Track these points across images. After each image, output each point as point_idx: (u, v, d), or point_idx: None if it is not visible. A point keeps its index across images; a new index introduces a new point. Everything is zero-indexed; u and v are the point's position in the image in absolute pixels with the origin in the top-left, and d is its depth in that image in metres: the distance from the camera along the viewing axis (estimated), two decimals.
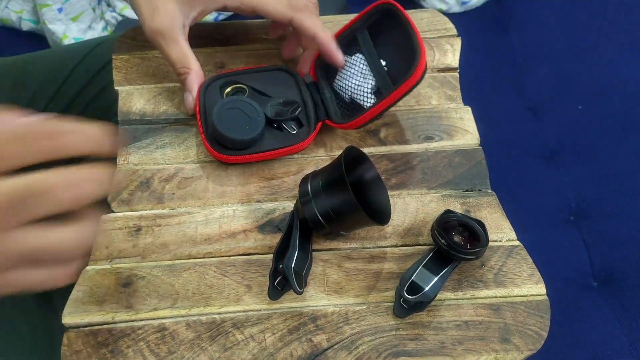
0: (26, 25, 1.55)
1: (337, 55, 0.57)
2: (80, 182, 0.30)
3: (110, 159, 0.31)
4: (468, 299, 0.49)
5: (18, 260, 0.31)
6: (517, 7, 1.62)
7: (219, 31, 0.68)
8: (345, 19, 0.67)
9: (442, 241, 0.47)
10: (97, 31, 1.53)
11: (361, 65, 0.57)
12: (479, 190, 0.55)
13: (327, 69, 0.61)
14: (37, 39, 1.55)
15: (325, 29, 0.57)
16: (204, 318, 0.47)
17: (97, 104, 0.72)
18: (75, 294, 0.48)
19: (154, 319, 0.47)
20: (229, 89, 0.59)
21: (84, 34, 1.50)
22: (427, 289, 0.46)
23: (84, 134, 0.31)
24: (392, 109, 0.58)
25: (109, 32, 1.54)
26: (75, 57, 0.74)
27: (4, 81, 0.72)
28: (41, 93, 0.71)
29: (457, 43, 0.67)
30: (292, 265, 0.46)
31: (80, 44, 0.78)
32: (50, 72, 0.73)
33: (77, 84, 0.72)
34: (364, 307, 0.48)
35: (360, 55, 0.58)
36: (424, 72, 0.51)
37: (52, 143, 0.30)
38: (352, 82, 0.57)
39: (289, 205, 0.54)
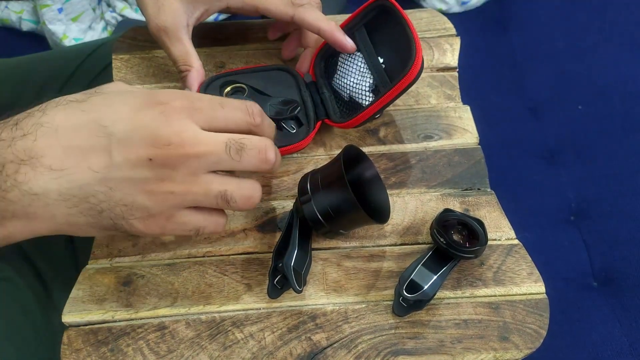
0: (26, 26, 1.55)
1: (346, 40, 0.57)
2: (267, 149, 0.41)
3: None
4: (467, 297, 0.49)
5: (214, 201, 0.40)
6: (517, 7, 1.62)
7: (219, 31, 0.68)
8: (345, 18, 0.67)
9: (442, 240, 0.47)
10: (97, 31, 1.53)
11: (359, 64, 0.57)
12: (478, 189, 0.56)
13: (326, 68, 0.61)
14: (37, 39, 1.55)
15: (328, 20, 0.57)
16: (203, 317, 0.47)
17: None
18: (75, 292, 0.48)
19: (154, 317, 0.47)
20: (228, 89, 0.59)
21: (84, 34, 1.50)
22: (426, 287, 0.46)
23: (272, 128, 0.45)
24: (391, 108, 0.58)
25: (109, 32, 1.55)
26: (77, 58, 0.74)
27: (7, 82, 0.72)
28: (43, 94, 0.72)
29: (456, 42, 0.67)
30: (292, 264, 0.46)
31: (82, 45, 0.78)
32: (53, 73, 0.73)
33: (79, 85, 0.72)
34: (364, 305, 0.48)
35: (358, 53, 0.58)
36: (421, 70, 0.52)
37: (251, 121, 0.41)
38: (350, 81, 0.57)
39: (289, 204, 0.54)
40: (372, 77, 0.56)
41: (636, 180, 1.25)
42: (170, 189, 0.38)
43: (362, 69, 0.57)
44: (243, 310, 0.48)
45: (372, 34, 0.58)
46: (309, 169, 0.56)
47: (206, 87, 0.59)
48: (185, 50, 0.57)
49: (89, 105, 0.38)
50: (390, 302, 0.48)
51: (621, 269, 1.13)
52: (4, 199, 0.36)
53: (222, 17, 1.47)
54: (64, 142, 0.37)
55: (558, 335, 1.04)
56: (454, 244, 0.47)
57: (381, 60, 0.56)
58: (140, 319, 0.47)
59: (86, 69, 0.73)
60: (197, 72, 0.57)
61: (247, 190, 0.41)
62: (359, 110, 0.55)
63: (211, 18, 1.46)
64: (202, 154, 0.38)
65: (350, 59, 0.58)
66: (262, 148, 0.40)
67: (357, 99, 0.57)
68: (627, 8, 1.59)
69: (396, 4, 0.55)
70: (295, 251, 0.48)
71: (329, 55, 0.61)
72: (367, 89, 0.56)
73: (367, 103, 0.56)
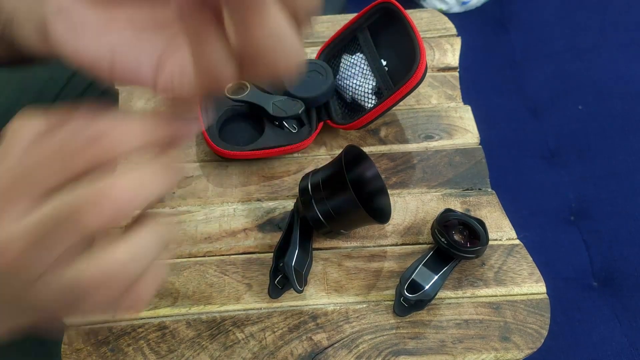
0: None
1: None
2: (121, 192, 0.23)
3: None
4: (468, 297, 0.49)
5: (63, 302, 0.24)
6: (517, 7, 1.62)
7: None
8: (345, 18, 0.67)
9: (442, 240, 0.47)
10: None
11: (362, 65, 0.57)
12: (479, 189, 0.56)
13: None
14: None
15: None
16: (204, 316, 0.47)
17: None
18: None
19: (154, 317, 0.47)
20: (230, 85, 0.59)
21: None
22: (427, 287, 0.46)
23: (132, 127, 0.24)
24: (392, 108, 0.58)
25: None
26: None
27: (6, 84, 0.72)
28: (43, 96, 0.71)
29: (457, 43, 0.67)
30: (293, 264, 0.46)
31: None
32: (52, 75, 0.73)
33: (78, 87, 0.72)
34: (364, 305, 0.48)
35: (361, 55, 0.58)
36: (424, 74, 0.52)
37: (94, 151, 0.23)
38: (353, 82, 0.57)
39: (289, 204, 0.54)
40: (374, 79, 0.56)
41: (636, 180, 1.25)
42: None
43: (364, 71, 0.57)
44: (244, 310, 0.48)
45: (375, 36, 0.58)
46: (309, 169, 0.56)
47: None
48: None
49: None
50: (391, 302, 0.48)
51: (621, 269, 1.13)
52: None
53: None
54: None
55: (558, 335, 1.04)
56: (455, 244, 0.47)
57: (384, 63, 0.56)
58: (141, 318, 0.47)
59: (84, 73, 0.72)
60: None
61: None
62: (362, 113, 0.55)
63: None
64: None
65: (353, 61, 0.58)
66: (103, 194, 0.23)
67: (359, 101, 0.57)
68: (627, 8, 1.59)
69: (400, 7, 0.55)
70: (296, 251, 0.48)
71: (332, 56, 0.61)
72: (370, 91, 0.56)
73: (369, 105, 0.56)
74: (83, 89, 0.73)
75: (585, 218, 1.21)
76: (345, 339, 0.46)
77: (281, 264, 0.47)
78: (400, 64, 0.55)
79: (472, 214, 0.53)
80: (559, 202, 1.24)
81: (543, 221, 1.21)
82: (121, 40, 0.27)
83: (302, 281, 0.47)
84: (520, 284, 0.49)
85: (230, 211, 0.53)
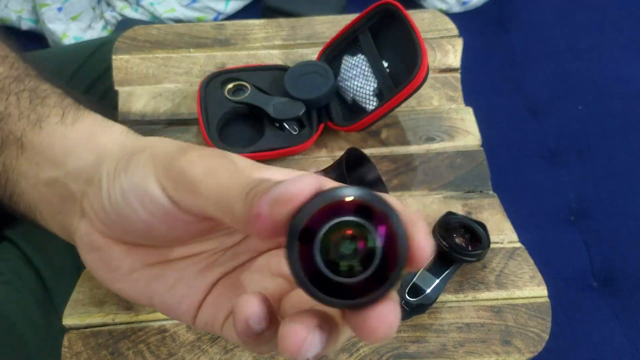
0: (26, 25, 1.55)
1: None
2: None
3: None
4: (469, 301, 0.48)
5: None
6: (517, 7, 1.62)
7: (219, 31, 0.68)
8: (345, 19, 0.66)
9: (444, 243, 0.47)
10: (97, 31, 1.52)
11: (363, 67, 0.57)
12: (481, 191, 0.55)
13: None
14: (36, 38, 1.54)
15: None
16: None
17: (101, 106, 0.71)
18: (75, 295, 0.48)
19: (155, 320, 0.47)
20: (230, 86, 0.59)
21: (84, 34, 1.50)
22: (428, 291, 0.46)
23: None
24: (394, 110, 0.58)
25: (109, 31, 1.54)
26: (78, 58, 0.73)
27: None
28: None
29: (459, 43, 0.66)
30: None
31: (83, 45, 0.77)
32: (54, 72, 0.72)
33: (78, 87, 0.71)
34: None
35: (362, 56, 0.58)
36: (426, 76, 0.51)
37: None
38: (354, 84, 0.57)
39: None
40: (376, 80, 0.56)
41: (636, 180, 1.25)
42: None
43: (366, 72, 0.57)
44: None
45: (377, 37, 0.58)
46: (310, 171, 0.56)
47: (207, 84, 0.58)
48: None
49: None
50: None
51: (621, 269, 1.13)
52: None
53: (222, 17, 1.47)
54: None
55: (558, 335, 1.04)
56: (456, 247, 0.47)
57: (385, 64, 0.56)
58: (141, 322, 0.47)
59: (87, 70, 0.72)
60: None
61: None
62: (363, 115, 0.55)
63: (211, 17, 1.46)
64: None
65: (354, 62, 0.58)
66: None
67: (360, 103, 0.56)
68: (627, 8, 1.59)
69: (402, 8, 0.55)
70: None
71: (333, 57, 0.61)
72: (371, 92, 0.56)
73: (371, 107, 0.56)
74: (83, 90, 0.72)
75: (585, 218, 1.21)
76: (346, 343, 0.46)
77: None
78: (402, 65, 0.55)
79: (474, 216, 0.53)
80: (559, 202, 1.24)
81: (543, 221, 1.21)
82: (159, 290, 0.26)
83: None
84: (521, 287, 0.49)
85: None
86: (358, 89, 0.57)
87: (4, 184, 0.29)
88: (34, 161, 0.28)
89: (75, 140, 0.28)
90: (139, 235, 0.25)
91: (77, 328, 0.47)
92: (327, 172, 0.48)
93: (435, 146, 0.59)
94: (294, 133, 0.56)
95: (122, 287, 0.26)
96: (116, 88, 0.61)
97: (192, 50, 0.65)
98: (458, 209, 0.54)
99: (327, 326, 0.21)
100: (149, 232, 0.24)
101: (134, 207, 0.23)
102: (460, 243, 0.49)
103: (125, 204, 0.23)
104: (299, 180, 0.19)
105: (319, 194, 0.19)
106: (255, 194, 0.20)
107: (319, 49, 0.62)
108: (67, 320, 0.47)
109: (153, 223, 0.23)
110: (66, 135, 0.28)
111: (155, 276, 0.26)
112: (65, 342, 0.46)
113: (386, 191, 0.50)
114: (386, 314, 0.19)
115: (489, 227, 0.50)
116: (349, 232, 0.19)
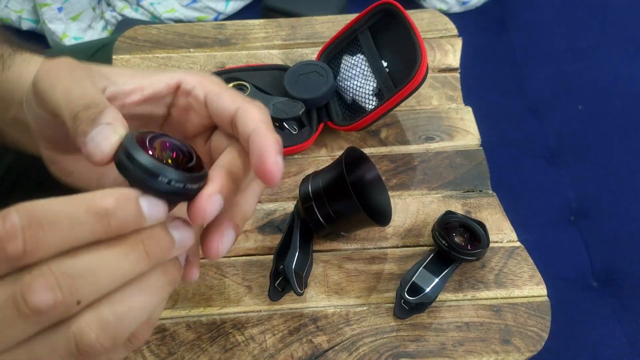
0: (26, 25, 1.55)
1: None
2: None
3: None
4: (469, 300, 0.48)
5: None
6: (517, 7, 1.62)
7: (219, 31, 0.68)
8: (345, 19, 0.67)
9: (443, 242, 0.47)
10: (97, 31, 1.52)
11: (362, 66, 0.57)
12: (480, 191, 0.55)
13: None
14: (37, 38, 1.55)
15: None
16: (204, 319, 0.47)
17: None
18: None
19: None
20: (230, 85, 0.59)
21: (84, 34, 1.50)
22: (427, 290, 0.46)
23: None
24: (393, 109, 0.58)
25: (109, 31, 1.54)
26: (79, 60, 0.73)
27: None
28: None
29: (458, 43, 0.66)
30: (293, 266, 0.46)
31: (83, 45, 0.77)
32: None
33: None
34: (365, 308, 0.48)
35: (362, 56, 0.58)
36: (426, 75, 0.51)
37: (101, 225, 0.22)
38: (353, 83, 0.57)
39: (290, 206, 0.54)
40: (375, 80, 0.56)
41: (636, 180, 1.25)
42: None
43: (365, 72, 0.57)
44: (244, 312, 0.48)
45: (376, 37, 0.58)
46: (310, 170, 0.56)
47: None
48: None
49: None
50: (392, 305, 0.48)
51: (621, 269, 1.13)
52: None
53: (222, 17, 1.47)
54: None
55: (558, 335, 1.04)
56: (455, 246, 0.47)
57: (385, 64, 0.56)
58: None
59: None
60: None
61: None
62: (362, 114, 0.55)
63: (211, 18, 1.46)
64: None
65: (353, 62, 0.58)
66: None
67: (360, 102, 0.57)
68: (627, 8, 1.59)
69: (401, 8, 0.55)
70: (297, 253, 0.47)
71: (332, 57, 0.61)
72: (371, 92, 0.56)
73: (370, 107, 0.56)
74: None
75: (585, 218, 1.21)
76: (346, 342, 0.46)
77: (281, 267, 0.47)
78: (402, 65, 0.55)
79: (473, 215, 0.53)
80: (559, 202, 1.24)
81: (543, 221, 1.21)
82: (110, 181, 0.33)
83: (303, 284, 0.47)
84: (521, 286, 0.49)
85: None
86: (357, 88, 0.57)
87: None
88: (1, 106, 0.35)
89: (12, 82, 0.35)
90: (63, 143, 0.30)
91: None
92: (326, 171, 0.48)
93: (435, 146, 0.59)
94: (294, 132, 0.56)
95: (83, 186, 0.33)
96: None
97: (192, 50, 0.65)
98: (457, 208, 0.54)
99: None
100: (63, 139, 0.30)
101: (37, 121, 0.29)
102: (460, 242, 0.49)
103: (35, 122, 0.30)
104: (100, 147, 0.24)
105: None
106: (79, 123, 0.24)
107: (319, 49, 0.62)
108: None
109: (50, 131, 0.30)
110: (7, 79, 0.35)
111: (102, 172, 0.33)
112: None
113: (386, 192, 0.50)
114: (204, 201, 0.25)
115: (488, 226, 0.50)
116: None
